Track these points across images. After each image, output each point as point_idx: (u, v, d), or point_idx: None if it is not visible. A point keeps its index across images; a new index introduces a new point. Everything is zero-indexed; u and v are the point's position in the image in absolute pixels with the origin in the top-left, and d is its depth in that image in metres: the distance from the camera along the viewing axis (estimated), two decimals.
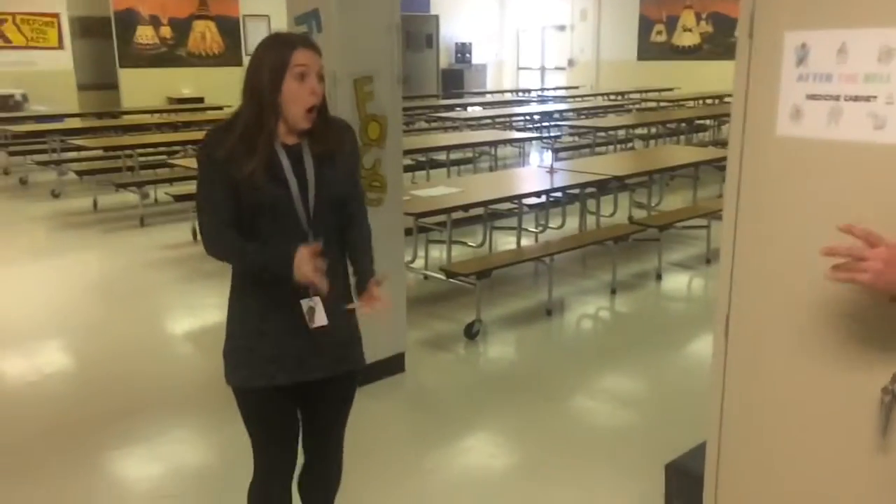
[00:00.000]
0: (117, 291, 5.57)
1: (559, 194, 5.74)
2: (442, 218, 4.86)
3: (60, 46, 13.56)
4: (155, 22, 14.28)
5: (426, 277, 5.41)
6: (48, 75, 13.34)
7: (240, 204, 1.93)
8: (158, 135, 9.74)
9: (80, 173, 8.73)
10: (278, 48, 1.95)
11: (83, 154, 9.86)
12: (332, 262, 2.02)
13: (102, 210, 8.04)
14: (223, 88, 14.61)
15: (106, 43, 13.97)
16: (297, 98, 1.92)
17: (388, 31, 3.65)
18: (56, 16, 13.40)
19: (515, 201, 5.55)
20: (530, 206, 6.07)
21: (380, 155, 3.71)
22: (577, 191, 5.73)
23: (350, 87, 3.54)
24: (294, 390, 2.06)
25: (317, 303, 2.00)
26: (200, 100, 14.30)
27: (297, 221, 1.96)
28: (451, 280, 4.61)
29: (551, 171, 5.70)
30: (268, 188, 1.92)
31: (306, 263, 1.86)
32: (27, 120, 11.39)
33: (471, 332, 4.46)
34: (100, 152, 8.95)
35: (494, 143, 9.00)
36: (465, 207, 4.79)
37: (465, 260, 5.01)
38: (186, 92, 14.60)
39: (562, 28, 18.36)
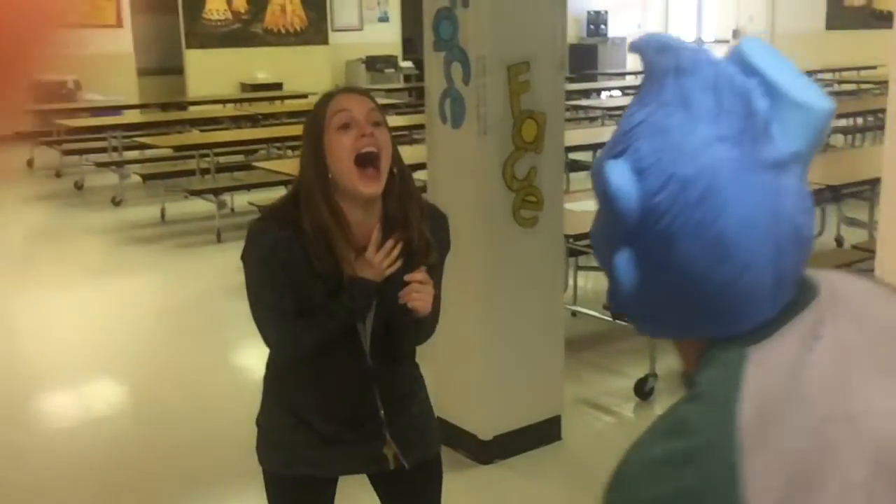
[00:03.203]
0: (189, 322, 5.68)
1: None
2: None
3: (119, 24, 14.17)
4: None
5: (574, 314, 5.27)
6: (104, 59, 13.94)
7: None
8: (235, 131, 9.99)
9: (144, 177, 9.04)
10: (317, 105, 1.97)
11: (147, 154, 10.23)
12: (403, 386, 2.12)
13: (172, 221, 8.28)
14: (305, 72, 14.98)
15: (170, 20, 14.52)
16: (342, 148, 1.88)
17: (551, 5, 3.55)
18: None
19: None
20: None
21: (536, 162, 3.61)
22: None
23: (503, 76, 3.46)
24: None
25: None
26: (279, 86, 14.66)
27: (357, 344, 2.02)
28: (618, 321, 4.45)
29: None
30: (318, 295, 1.94)
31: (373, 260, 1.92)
32: (81, 112, 11.94)
33: (643, 390, 4.30)
34: (167, 151, 9.24)
35: None
36: None
37: None
38: (262, 76, 15.00)
39: None
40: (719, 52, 0.93)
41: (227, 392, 4.51)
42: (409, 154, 8.51)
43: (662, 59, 0.87)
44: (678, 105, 0.85)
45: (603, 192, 0.88)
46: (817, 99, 0.87)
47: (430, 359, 3.88)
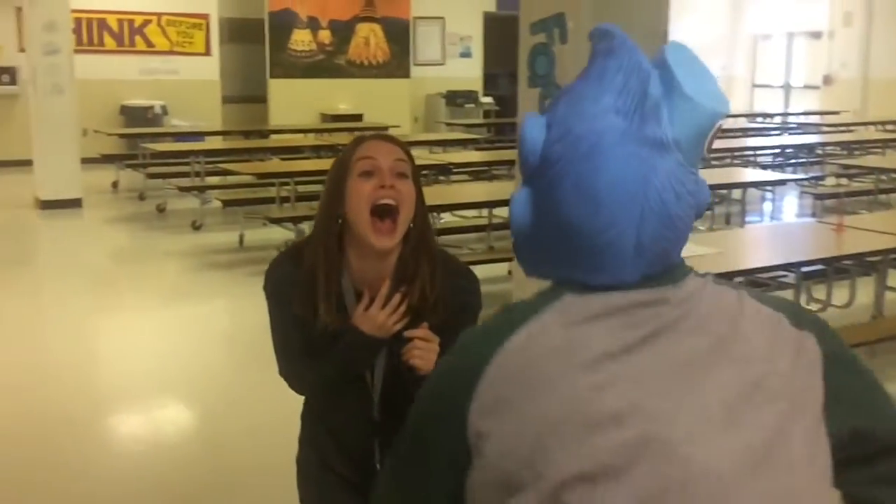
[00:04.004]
0: (261, 349, 5.61)
1: (849, 262, 5.28)
2: None
3: (207, 52, 14.52)
4: (313, 25, 15.02)
5: None
6: (192, 85, 14.30)
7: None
8: (315, 160, 10.08)
9: (225, 203, 9.16)
10: (347, 147, 1.93)
11: (229, 180, 10.38)
12: None
13: (250, 247, 8.35)
14: (385, 105, 15.13)
15: (256, 49, 14.83)
16: (360, 195, 1.83)
17: (651, 40, 3.46)
18: (206, 17, 14.40)
19: (793, 269, 5.16)
20: (804, 276, 5.63)
21: None
22: (876, 258, 5.25)
23: None
24: None
25: None
26: (358, 117, 14.81)
27: (365, 394, 1.97)
28: None
29: (839, 228, 5.26)
30: (321, 338, 1.89)
31: (377, 315, 1.86)
32: (166, 137, 12.22)
33: None
34: (248, 178, 9.36)
35: (741, 186, 8.58)
36: (730, 276, 4.46)
37: None
38: (343, 107, 15.18)
39: (817, 35, 17.53)
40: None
41: (294, 421, 4.46)
42: (487, 190, 8.46)
43: (601, 44, 1.01)
44: (596, 78, 0.99)
45: (520, 138, 1.04)
46: (710, 100, 0.98)
47: None
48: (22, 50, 12.19)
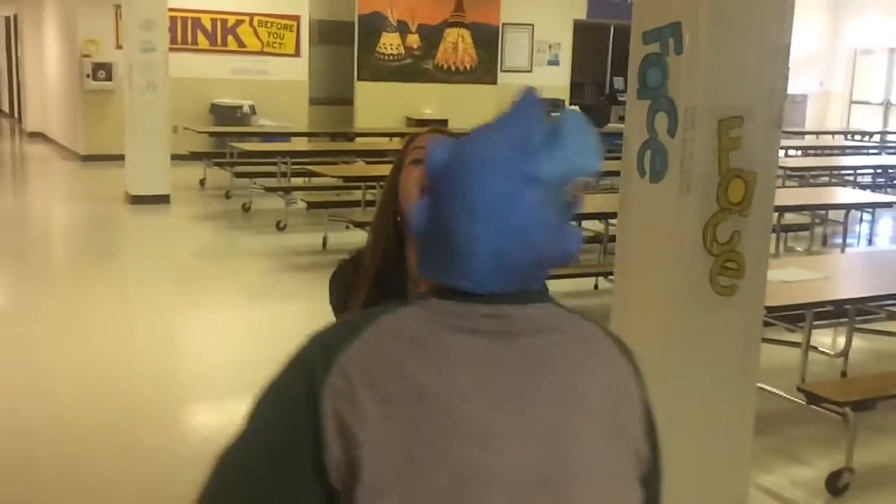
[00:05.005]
0: None
1: None
2: None
3: (297, 54, 14.65)
4: (402, 28, 15.03)
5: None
6: (280, 85, 14.43)
7: None
8: None
9: (310, 204, 9.17)
10: (404, 143, 1.96)
11: (314, 181, 10.41)
12: None
13: (333, 250, 8.32)
14: (470, 110, 15.00)
15: (345, 51, 14.90)
16: (410, 181, 1.81)
17: (772, 55, 3.28)
18: (297, 18, 14.52)
19: None
20: None
21: (741, 226, 3.31)
22: None
23: (712, 131, 3.20)
24: None
25: None
26: (444, 122, 14.74)
27: None
28: (812, 405, 4.06)
29: None
30: None
31: None
32: (253, 136, 12.34)
33: (836, 486, 3.89)
34: (333, 180, 9.36)
35: (844, 207, 8.23)
36: (838, 304, 4.25)
37: (833, 381, 4.44)
38: (428, 112, 15.15)
39: None
40: None
41: None
42: None
43: (515, 100, 1.21)
44: (499, 123, 1.19)
45: (427, 155, 1.21)
46: (581, 157, 1.16)
47: None
48: (119, 47, 12.46)
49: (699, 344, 3.35)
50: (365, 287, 1.86)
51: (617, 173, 3.58)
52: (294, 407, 1.11)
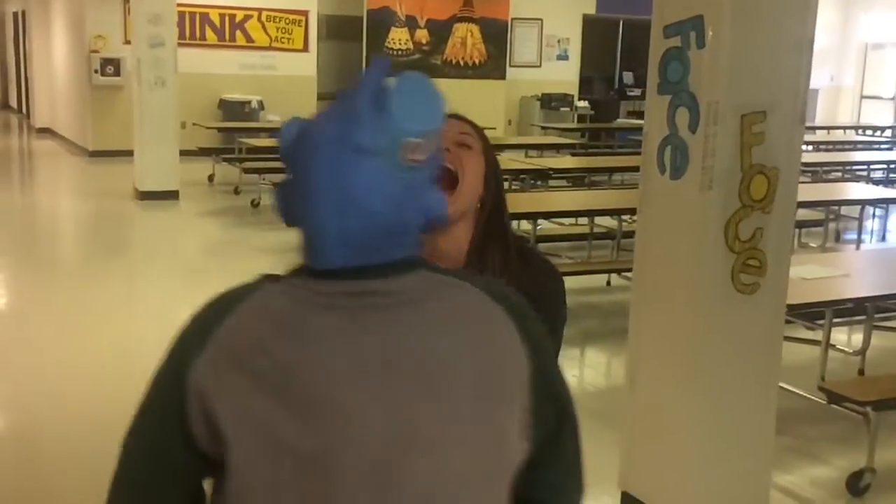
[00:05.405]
0: None
1: None
2: None
3: (305, 49, 14.60)
4: (411, 23, 14.97)
5: None
6: (288, 81, 14.38)
7: None
8: None
9: None
10: None
11: None
12: None
13: None
14: (480, 105, 14.90)
15: (353, 47, 14.84)
16: None
17: (796, 49, 3.21)
18: (305, 13, 14.47)
19: None
20: None
21: (763, 222, 3.25)
22: None
23: (735, 126, 3.14)
24: None
25: None
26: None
27: None
28: (832, 405, 4.01)
29: None
30: None
31: None
32: (262, 132, 12.29)
33: (857, 486, 3.84)
34: None
35: (859, 203, 8.17)
36: (859, 302, 4.19)
37: (853, 380, 4.39)
38: None
39: None
40: None
41: None
42: (588, 197, 8.17)
43: (366, 72, 1.19)
44: (340, 99, 1.19)
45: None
46: (408, 121, 1.14)
47: (622, 425, 3.59)
48: (127, 42, 12.43)
49: (720, 343, 3.29)
50: None
51: (629, 169, 3.53)
52: (167, 384, 1.18)
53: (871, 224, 9.74)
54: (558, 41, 16.49)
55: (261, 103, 13.99)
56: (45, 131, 16.91)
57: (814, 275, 4.44)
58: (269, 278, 1.21)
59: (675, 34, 3.22)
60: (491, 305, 1.19)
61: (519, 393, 1.18)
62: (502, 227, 1.79)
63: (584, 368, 5.52)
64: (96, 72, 13.43)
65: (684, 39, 3.19)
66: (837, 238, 8.98)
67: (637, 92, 16.79)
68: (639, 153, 3.52)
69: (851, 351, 5.15)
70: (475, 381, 1.15)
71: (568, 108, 15.85)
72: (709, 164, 3.15)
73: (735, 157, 3.17)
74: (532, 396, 1.19)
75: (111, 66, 13.44)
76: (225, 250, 8.63)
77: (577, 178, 10.35)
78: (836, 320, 4.68)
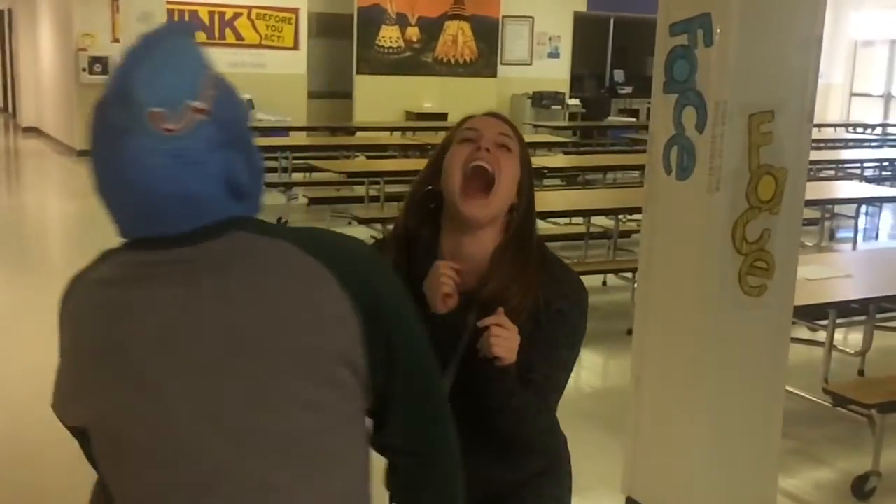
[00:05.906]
0: None
1: None
2: None
3: (296, 47, 14.49)
4: (402, 21, 14.88)
5: None
6: (278, 79, 14.27)
7: None
8: (403, 160, 9.92)
9: (311, 200, 9.04)
10: (457, 123, 1.86)
11: (314, 177, 10.28)
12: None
13: None
14: (470, 103, 14.83)
15: (344, 45, 14.75)
16: (455, 158, 1.70)
17: (804, 47, 3.16)
18: (295, 11, 14.36)
19: None
20: None
21: (771, 223, 3.20)
22: None
23: (743, 126, 3.08)
24: None
25: None
26: (443, 116, 14.62)
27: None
28: (837, 408, 3.96)
29: None
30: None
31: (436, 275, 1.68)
32: (251, 131, 12.18)
33: (862, 490, 3.80)
34: (333, 175, 9.23)
35: (856, 202, 8.13)
36: (864, 304, 4.14)
37: (857, 382, 4.34)
38: (428, 105, 15.02)
39: None
40: None
41: None
42: (583, 197, 8.10)
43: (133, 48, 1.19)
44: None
45: None
46: (140, 91, 1.10)
47: (625, 428, 3.53)
48: (116, 40, 12.31)
49: (727, 345, 3.24)
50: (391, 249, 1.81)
51: (624, 167, 3.47)
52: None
53: (863, 222, 9.73)
54: (549, 39, 16.43)
55: (251, 102, 13.86)
56: (32, 130, 16.76)
57: (816, 275, 4.40)
58: (113, 250, 1.25)
59: (682, 32, 3.16)
60: (304, 259, 1.16)
61: (339, 345, 1.14)
62: (529, 237, 1.76)
63: (580, 370, 5.46)
64: (84, 70, 13.29)
65: (691, 37, 3.13)
66: (832, 237, 8.95)
67: (628, 90, 16.77)
68: (632, 151, 3.49)
69: (852, 352, 5.11)
70: (282, 354, 1.12)
71: (559, 107, 15.79)
72: (716, 164, 3.09)
73: (743, 158, 3.12)
74: (366, 350, 1.16)
75: (99, 64, 13.30)
76: None
77: (571, 177, 10.29)
78: (838, 321, 4.64)
